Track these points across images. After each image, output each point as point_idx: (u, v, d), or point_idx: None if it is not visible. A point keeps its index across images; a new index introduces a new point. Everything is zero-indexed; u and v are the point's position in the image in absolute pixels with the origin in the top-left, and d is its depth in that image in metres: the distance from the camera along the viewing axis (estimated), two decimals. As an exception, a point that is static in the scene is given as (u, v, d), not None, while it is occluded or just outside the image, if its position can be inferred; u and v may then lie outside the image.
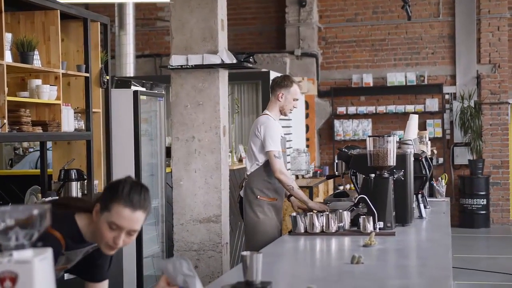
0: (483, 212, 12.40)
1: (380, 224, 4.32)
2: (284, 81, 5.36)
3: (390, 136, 4.46)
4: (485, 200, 12.38)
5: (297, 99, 5.40)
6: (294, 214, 4.42)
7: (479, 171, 12.41)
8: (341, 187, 12.64)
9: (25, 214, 1.76)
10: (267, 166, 5.24)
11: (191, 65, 5.90)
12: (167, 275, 2.54)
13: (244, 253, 2.73)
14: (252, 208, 5.25)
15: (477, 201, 12.36)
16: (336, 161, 5.24)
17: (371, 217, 4.26)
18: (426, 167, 5.11)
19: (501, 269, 8.84)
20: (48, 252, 1.81)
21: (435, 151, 9.11)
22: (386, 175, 4.45)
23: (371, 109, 12.95)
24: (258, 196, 5.25)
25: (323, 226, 4.30)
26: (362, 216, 4.29)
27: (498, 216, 12.71)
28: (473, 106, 12.48)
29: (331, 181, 11.50)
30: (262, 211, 5.23)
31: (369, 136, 4.50)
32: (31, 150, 9.27)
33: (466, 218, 12.44)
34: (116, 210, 2.58)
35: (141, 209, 2.60)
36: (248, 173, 5.33)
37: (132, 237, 2.64)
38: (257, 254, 2.75)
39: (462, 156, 12.71)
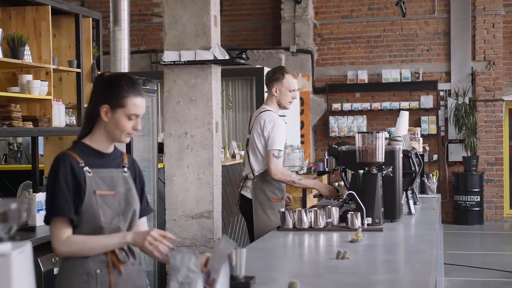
0: (477, 209, 12.43)
1: (369, 220, 4.33)
2: (275, 74, 5.24)
3: (379, 132, 4.47)
4: (479, 197, 12.42)
5: (293, 90, 5.24)
6: (282, 209, 4.44)
7: (473, 168, 12.44)
8: (336, 183, 12.67)
9: (3, 207, 1.78)
10: None
11: (184, 61, 5.91)
12: (172, 264, 2.59)
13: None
14: (264, 210, 5.14)
15: (471, 198, 12.39)
16: (327, 157, 5.24)
17: (359, 213, 4.29)
18: (416, 164, 5.11)
19: (494, 265, 8.87)
20: (27, 246, 1.83)
21: (427, 148, 9.15)
22: (374, 171, 4.46)
23: (366, 105, 12.98)
24: (271, 199, 5.15)
25: (311, 222, 4.32)
26: (350, 212, 4.30)
27: (492, 213, 12.75)
28: (468, 103, 12.50)
29: (325, 177, 11.52)
30: (274, 213, 5.08)
31: (358, 132, 4.52)
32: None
33: (460, 214, 12.48)
34: (131, 103, 2.85)
35: (144, 95, 2.92)
36: (255, 173, 5.19)
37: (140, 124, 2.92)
38: (240, 249, 2.77)
39: (457, 153, 12.73)
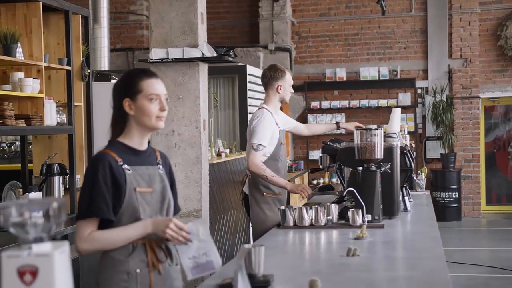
0: (455, 205, 12.55)
1: (368, 217, 4.33)
2: (278, 73, 5.37)
3: (377, 129, 4.47)
4: (456, 193, 12.53)
5: (292, 84, 5.49)
6: (283, 207, 4.42)
7: (451, 165, 12.55)
8: (315, 181, 12.70)
9: (44, 207, 1.74)
10: (269, 162, 5.18)
11: (171, 59, 5.86)
12: (179, 247, 2.61)
13: (247, 246, 2.73)
14: (259, 205, 5.21)
15: (449, 195, 12.50)
16: (321, 154, 5.23)
17: (360, 210, 4.28)
18: (411, 160, 5.14)
19: (473, 261, 8.97)
20: (66, 246, 1.78)
21: (413, 145, 9.22)
22: (373, 168, 4.47)
23: (345, 103, 13.01)
24: (264, 193, 5.22)
25: (312, 219, 4.31)
26: (351, 209, 4.30)
27: (470, 209, 12.87)
28: (445, 101, 12.60)
29: (306, 175, 11.55)
30: (269, 208, 5.17)
31: (356, 129, 4.51)
32: (3, 145, 9.14)
33: (438, 211, 12.44)
34: (146, 85, 2.86)
35: (158, 77, 2.93)
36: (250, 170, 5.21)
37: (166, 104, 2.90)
38: (259, 247, 2.75)
39: (434, 150, 12.84)
